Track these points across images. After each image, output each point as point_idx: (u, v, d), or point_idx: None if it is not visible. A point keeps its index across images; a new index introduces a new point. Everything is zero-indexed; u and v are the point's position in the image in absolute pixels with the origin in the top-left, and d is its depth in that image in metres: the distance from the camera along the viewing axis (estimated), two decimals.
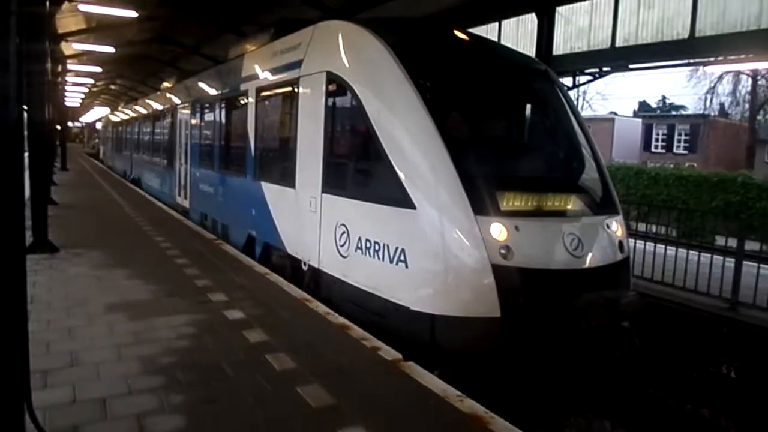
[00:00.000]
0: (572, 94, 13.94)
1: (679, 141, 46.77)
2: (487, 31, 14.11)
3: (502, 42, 13.16)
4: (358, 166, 6.45)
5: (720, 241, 10.73)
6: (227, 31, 18.31)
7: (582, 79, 13.43)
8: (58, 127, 27.66)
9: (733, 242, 9.02)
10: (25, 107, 8.24)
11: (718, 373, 8.01)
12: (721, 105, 46.27)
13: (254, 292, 6.61)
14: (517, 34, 13.83)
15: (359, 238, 6.02)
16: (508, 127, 7.79)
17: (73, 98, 44.36)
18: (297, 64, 7.54)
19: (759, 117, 42.97)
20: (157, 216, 12.81)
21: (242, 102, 9.90)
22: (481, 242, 5.17)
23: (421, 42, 6.84)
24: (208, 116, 12.31)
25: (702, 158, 43.01)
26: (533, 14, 12.53)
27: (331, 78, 6.67)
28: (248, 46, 10.43)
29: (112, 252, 8.41)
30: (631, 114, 59.34)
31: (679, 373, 7.82)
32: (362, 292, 5.95)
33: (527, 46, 12.69)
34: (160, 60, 26.98)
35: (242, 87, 9.77)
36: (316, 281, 6.99)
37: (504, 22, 14.07)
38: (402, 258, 5.46)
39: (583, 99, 56.74)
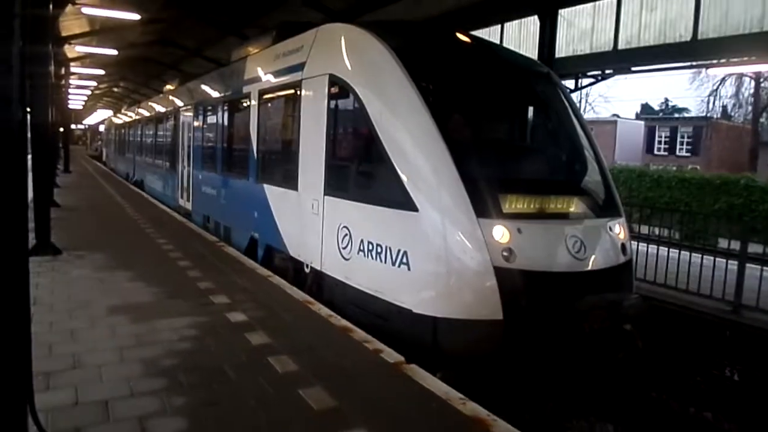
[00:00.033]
0: (575, 96, 13.93)
1: (681, 143, 46.77)
2: (490, 33, 14.12)
3: (505, 45, 13.18)
4: (361, 168, 6.45)
5: (723, 243, 10.70)
6: (229, 34, 18.37)
7: (584, 81, 13.43)
8: (61, 130, 27.72)
9: (736, 245, 8.99)
10: (28, 109, 8.27)
11: (721, 376, 7.98)
12: (724, 107, 46.28)
13: (256, 294, 6.61)
14: (520, 36, 13.84)
15: (361, 241, 6.02)
16: (511, 130, 7.79)
17: (76, 101, 44.53)
18: (299, 67, 7.55)
19: (762, 119, 42.90)
20: (159, 218, 12.84)
21: (245, 104, 9.91)
22: (484, 245, 5.17)
23: (423, 45, 6.85)
24: (211, 119, 12.33)
25: (705, 161, 42.99)
26: (536, 17, 12.53)
27: (334, 80, 6.67)
28: (251, 49, 10.44)
29: (115, 254, 8.42)
30: (634, 116, 59.32)
31: (681, 376, 7.79)
32: (364, 295, 5.94)
33: (529, 49, 12.68)
34: (163, 62, 27.05)
35: (245, 89, 9.78)
36: (318, 284, 6.99)
37: (506, 25, 14.08)
38: (404, 260, 5.46)
39: (586, 101, 56.68)
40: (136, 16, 15.48)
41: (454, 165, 5.38)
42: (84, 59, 25.65)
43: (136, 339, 4.95)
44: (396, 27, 7.66)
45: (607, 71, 12.79)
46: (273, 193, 8.39)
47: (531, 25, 13.26)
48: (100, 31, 19.91)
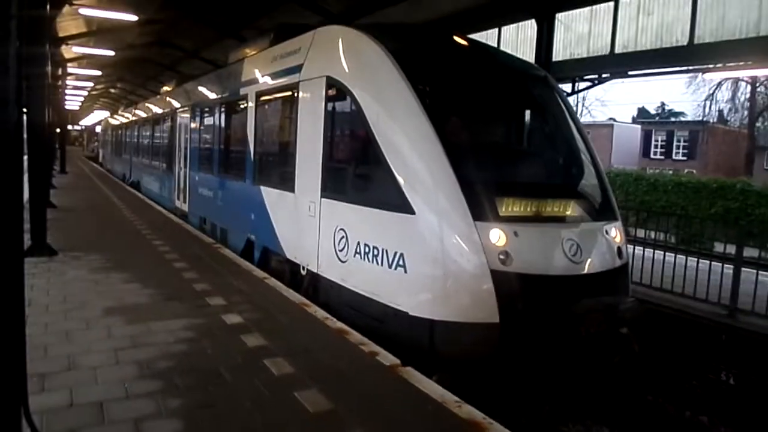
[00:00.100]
0: (571, 100, 13.97)
1: (678, 147, 46.89)
2: (487, 37, 14.13)
3: (502, 48, 13.19)
4: (358, 170, 6.45)
5: (719, 247, 10.73)
6: (227, 36, 18.37)
7: (581, 85, 13.46)
8: (58, 130, 27.68)
9: (731, 249, 9.03)
10: (24, 110, 8.25)
11: (717, 379, 8.00)
12: (720, 112, 46.37)
13: (253, 296, 6.60)
14: (517, 40, 13.86)
15: (358, 243, 6.02)
16: (508, 133, 7.80)
17: (73, 101, 44.46)
18: (297, 69, 7.55)
19: (758, 124, 43.01)
20: (155, 219, 12.80)
21: (242, 106, 9.91)
22: (480, 248, 5.17)
23: (420, 47, 6.86)
24: (208, 120, 12.32)
25: (701, 165, 43.12)
26: (533, 20, 12.55)
27: (331, 83, 6.68)
28: (248, 51, 10.45)
29: (111, 255, 8.40)
30: (630, 120, 59.53)
31: (677, 380, 7.80)
32: (361, 297, 5.94)
33: (527, 53, 12.71)
34: (160, 63, 27.04)
35: (242, 91, 9.78)
36: (314, 286, 6.98)
37: (504, 29, 14.10)
38: (401, 263, 5.46)
39: (583, 105, 57.01)
40: (133, 17, 15.48)
41: (450, 168, 5.39)
42: (81, 60, 25.64)
43: (131, 340, 4.93)
44: (393, 30, 7.67)
45: (604, 75, 12.81)
46: (270, 195, 8.39)
47: (528, 29, 13.28)
48: (97, 32, 19.90)
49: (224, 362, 4.53)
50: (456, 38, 7.19)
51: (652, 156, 48.10)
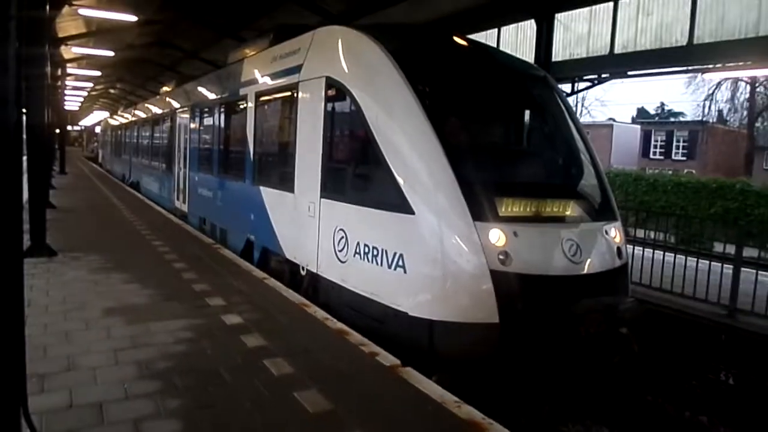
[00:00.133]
0: (571, 100, 13.98)
1: (677, 147, 46.91)
2: (487, 37, 14.14)
3: (502, 48, 13.20)
4: (357, 171, 6.45)
5: (718, 247, 10.74)
6: (227, 36, 18.36)
7: (581, 85, 13.46)
8: (57, 131, 27.68)
9: (731, 249, 9.03)
10: (24, 110, 8.25)
11: (717, 379, 8.00)
12: (720, 112, 46.44)
13: (252, 296, 6.60)
14: (517, 40, 13.87)
15: (358, 243, 6.02)
16: (507, 133, 7.80)
17: (72, 102, 44.43)
18: (296, 69, 7.55)
19: (757, 124, 43.07)
20: (155, 220, 12.80)
21: (241, 106, 9.91)
22: (480, 248, 5.17)
23: (420, 48, 6.86)
24: (207, 120, 12.32)
25: (700, 165, 43.14)
26: (532, 21, 12.56)
27: (331, 83, 6.68)
28: (248, 51, 10.45)
29: (110, 256, 8.39)
30: (630, 120, 59.53)
31: (677, 380, 7.80)
32: (361, 298, 5.94)
33: (526, 53, 12.72)
34: (160, 64, 27.04)
35: (241, 91, 9.78)
36: (314, 286, 6.98)
37: (503, 29, 14.11)
38: (400, 263, 5.46)
39: (582, 105, 56.99)
40: (133, 18, 15.47)
41: (450, 168, 5.39)
42: (81, 60, 25.63)
43: (131, 341, 4.93)
44: (393, 30, 7.67)
45: (604, 75, 12.82)
46: (269, 195, 8.39)
47: (528, 29, 13.29)
48: (96, 33, 19.89)
49: (224, 363, 4.53)
50: (455, 38, 7.19)
51: (651, 156, 48.12)
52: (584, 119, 51.37)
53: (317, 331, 5.51)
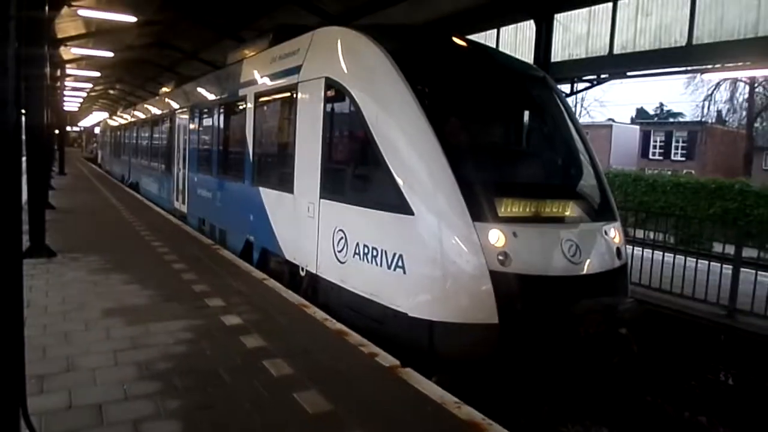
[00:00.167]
0: (570, 100, 13.97)
1: (676, 148, 46.95)
2: (486, 37, 14.15)
3: (501, 49, 13.21)
4: (357, 171, 6.44)
5: (717, 248, 10.74)
6: (226, 37, 18.37)
7: (580, 86, 13.48)
8: (57, 132, 27.65)
9: (730, 249, 9.04)
10: (23, 111, 8.24)
11: (716, 380, 8.00)
12: (719, 112, 46.54)
13: (252, 297, 6.60)
14: (516, 40, 13.88)
15: (357, 244, 6.02)
16: (506, 134, 7.80)
17: (71, 102, 44.42)
18: (296, 70, 7.55)
19: (756, 124, 43.13)
20: (154, 221, 12.80)
21: (240, 107, 9.91)
22: (479, 248, 5.17)
23: (419, 48, 6.86)
24: (207, 121, 12.31)
25: (699, 165, 43.19)
26: (531, 21, 12.56)
27: (330, 84, 6.68)
28: (247, 52, 10.45)
29: (110, 256, 8.39)
30: (629, 121, 59.56)
31: (676, 380, 7.81)
32: (360, 298, 5.94)
33: (525, 53, 12.73)
34: (159, 65, 27.05)
35: (241, 92, 9.78)
36: (313, 287, 6.98)
37: (502, 29, 14.13)
38: (400, 264, 5.45)
39: (581, 106, 57.01)
40: (132, 19, 15.47)
41: (450, 168, 5.39)
42: (80, 61, 25.62)
43: (130, 342, 4.93)
44: (392, 30, 7.68)
45: (603, 76, 12.84)
46: (268, 196, 8.38)
47: (527, 29, 13.30)
48: (96, 33, 19.88)
49: (223, 363, 4.53)
50: (455, 39, 7.19)
51: (650, 156, 48.15)
52: (583, 120, 51.41)
53: (317, 331, 5.51)
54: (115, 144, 30.46)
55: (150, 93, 31.25)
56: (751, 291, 8.12)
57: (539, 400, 6.09)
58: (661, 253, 9.42)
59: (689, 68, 12.59)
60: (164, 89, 19.02)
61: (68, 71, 26.95)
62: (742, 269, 8.35)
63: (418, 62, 6.35)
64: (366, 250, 5.87)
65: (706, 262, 9.15)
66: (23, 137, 8.04)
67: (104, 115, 47.58)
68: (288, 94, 7.86)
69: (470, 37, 9.52)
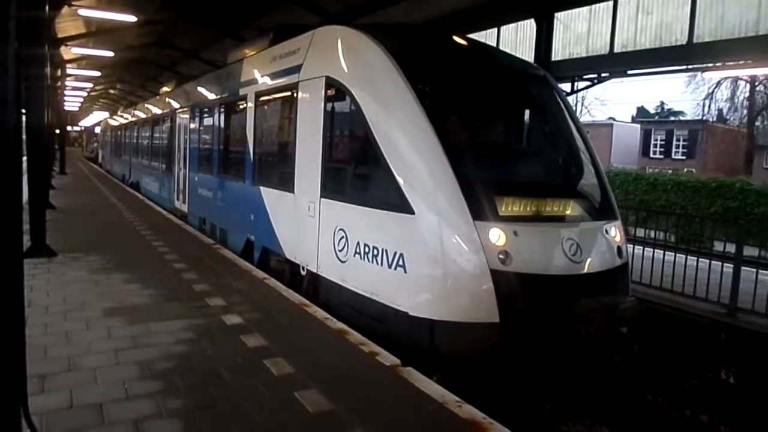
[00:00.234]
0: (571, 99, 13.96)
1: (677, 147, 46.91)
2: (486, 36, 14.14)
3: (501, 48, 13.20)
4: (357, 171, 6.44)
5: (718, 246, 10.74)
6: (226, 36, 18.35)
7: (580, 84, 13.44)
8: (57, 131, 27.67)
9: (731, 248, 9.03)
10: (24, 111, 8.25)
11: (717, 378, 8.00)
12: (720, 111, 46.41)
13: (252, 296, 6.60)
14: (516, 39, 13.86)
15: (358, 243, 6.02)
16: (507, 133, 7.80)
17: (72, 102, 44.40)
18: (296, 69, 7.55)
19: (757, 123, 43.04)
20: (155, 220, 12.80)
21: (241, 106, 9.91)
22: (480, 247, 5.17)
23: (420, 47, 6.86)
24: (207, 120, 12.32)
25: (700, 164, 43.16)
26: (532, 20, 12.55)
27: (330, 83, 6.68)
28: (247, 51, 10.44)
29: (111, 256, 8.39)
30: (630, 120, 59.50)
31: (677, 379, 7.80)
32: (361, 298, 5.94)
33: (526, 52, 12.72)
34: (159, 64, 27.03)
35: (241, 91, 9.78)
36: (314, 286, 6.98)
37: (503, 28, 14.10)
38: (401, 263, 5.45)
39: (582, 104, 56.94)
40: (132, 18, 15.46)
41: (450, 168, 5.39)
42: (80, 61, 25.63)
43: (131, 341, 4.93)
44: (393, 29, 7.67)
45: (603, 74, 12.80)
46: (269, 195, 8.38)
47: (527, 28, 13.29)
48: (96, 33, 19.88)
49: (224, 363, 4.53)
50: (455, 38, 7.19)
51: (651, 155, 48.11)
52: (584, 118, 51.36)
53: (317, 331, 5.51)
54: (116, 143, 30.48)
55: (150, 92, 31.25)
56: (752, 289, 8.11)
57: (540, 399, 6.09)
58: (662, 251, 9.41)
59: (690, 67, 12.55)
60: (165, 89, 19.01)
61: (69, 71, 26.96)
62: (743, 268, 8.34)
63: (418, 61, 6.34)
64: (367, 249, 5.87)
65: (707, 261, 9.13)
66: (24, 137, 8.06)
67: (105, 114, 47.62)
68: (288, 93, 7.86)
69: (471, 36, 9.51)
